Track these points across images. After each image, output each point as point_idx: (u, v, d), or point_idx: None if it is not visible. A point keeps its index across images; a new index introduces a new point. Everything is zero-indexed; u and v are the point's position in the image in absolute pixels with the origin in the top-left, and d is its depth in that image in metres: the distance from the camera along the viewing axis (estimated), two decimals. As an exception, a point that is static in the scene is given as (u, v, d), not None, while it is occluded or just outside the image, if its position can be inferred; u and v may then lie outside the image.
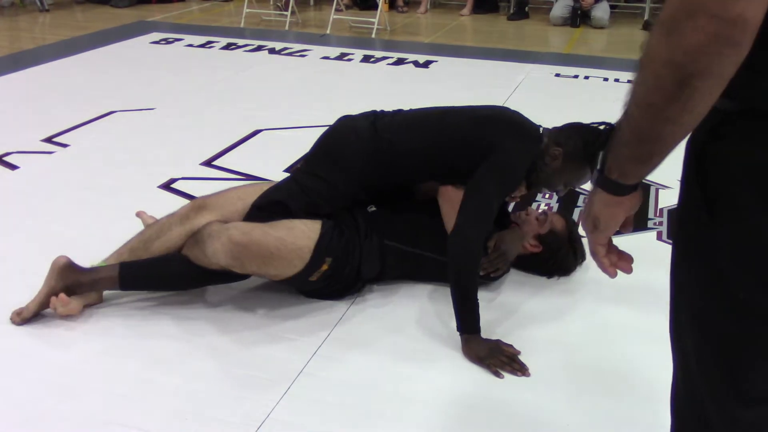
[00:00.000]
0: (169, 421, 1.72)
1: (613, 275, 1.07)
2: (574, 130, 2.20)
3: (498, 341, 1.99)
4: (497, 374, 1.90)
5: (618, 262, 1.07)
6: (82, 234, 2.58)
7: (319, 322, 2.11)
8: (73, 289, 2.08)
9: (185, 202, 2.80)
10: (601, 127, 2.17)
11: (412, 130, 2.21)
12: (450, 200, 2.15)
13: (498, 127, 2.18)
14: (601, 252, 1.05)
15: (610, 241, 1.05)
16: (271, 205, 2.16)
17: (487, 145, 2.11)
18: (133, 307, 2.16)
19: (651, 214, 2.84)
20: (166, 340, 2.02)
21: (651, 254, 2.60)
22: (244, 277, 2.15)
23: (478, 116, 2.24)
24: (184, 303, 2.18)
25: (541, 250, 2.30)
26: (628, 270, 1.07)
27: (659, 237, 2.67)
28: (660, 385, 1.88)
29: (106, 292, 2.17)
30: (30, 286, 2.25)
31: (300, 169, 2.31)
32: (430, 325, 2.13)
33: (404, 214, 2.27)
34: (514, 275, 2.36)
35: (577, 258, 2.36)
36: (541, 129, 2.22)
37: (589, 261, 2.44)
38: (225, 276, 2.10)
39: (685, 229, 0.97)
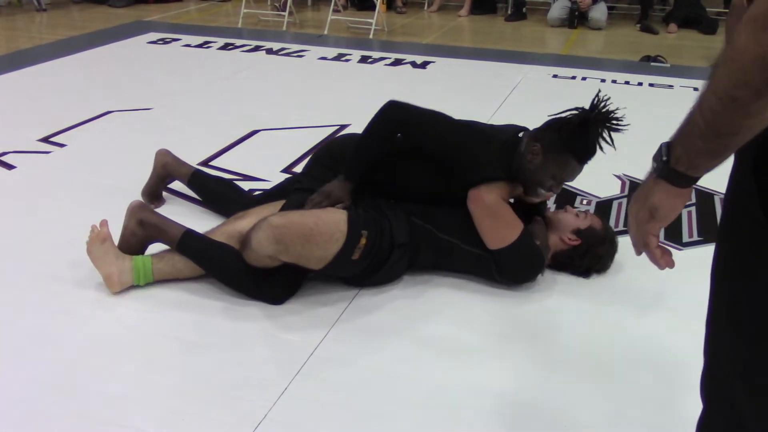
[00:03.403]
0: (167, 421, 1.72)
1: (662, 266, 1.09)
2: (549, 124, 2.28)
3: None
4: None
5: (663, 255, 1.08)
6: (80, 234, 2.57)
7: (317, 322, 2.11)
8: (143, 225, 2.23)
9: (182, 202, 2.82)
10: (573, 113, 2.24)
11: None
12: (481, 204, 2.22)
13: (468, 139, 2.31)
14: (654, 242, 1.06)
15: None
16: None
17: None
18: (129, 307, 2.15)
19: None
20: (162, 340, 2.02)
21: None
22: (283, 295, 2.19)
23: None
24: (181, 304, 2.18)
25: (579, 243, 2.34)
26: (672, 264, 1.09)
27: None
28: (657, 382, 1.89)
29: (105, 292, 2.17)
30: (27, 286, 2.26)
31: (305, 174, 2.52)
32: (426, 326, 2.13)
33: (441, 206, 2.33)
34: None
35: (613, 253, 2.42)
36: (521, 133, 2.33)
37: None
38: (267, 288, 2.16)
39: (740, 230, 0.96)
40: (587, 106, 2.21)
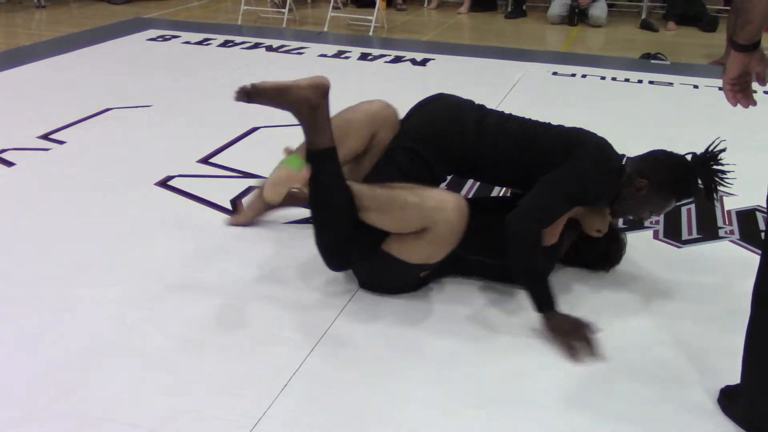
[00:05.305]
0: (166, 418, 1.72)
1: (732, 104, 1.69)
2: (660, 161, 2.22)
3: (578, 319, 2.02)
4: (574, 355, 1.96)
5: (742, 99, 1.66)
6: (78, 231, 2.58)
7: (316, 320, 2.11)
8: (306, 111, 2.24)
9: (182, 199, 2.82)
10: (689, 157, 2.20)
11: (515, 143, 2.24)
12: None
13: (584, 147, 2.19)
14: (727, 87, 1.66)
15: (749, 87, 1.66)
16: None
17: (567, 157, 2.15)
18: (128, 304, 2.16)
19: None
20: (162, 337, 2.02)
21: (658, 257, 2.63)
22: (348, 265, 2.24)
23: (569, 135, 2.25)
24: (180, 300, 2.18)
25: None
26: (744, 104, 1.68)
27: (655, 236, 2.68)
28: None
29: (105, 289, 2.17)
30: (26, 283, 2.26)
31: (403, 146, 2.30)
32: (426, 323, 2.13)
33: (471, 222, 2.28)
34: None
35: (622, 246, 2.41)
36: (624, 159, 2.24)
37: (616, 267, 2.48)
38: (344, 248, 2.17)
39: None
40: (699, 151, 2.20)
